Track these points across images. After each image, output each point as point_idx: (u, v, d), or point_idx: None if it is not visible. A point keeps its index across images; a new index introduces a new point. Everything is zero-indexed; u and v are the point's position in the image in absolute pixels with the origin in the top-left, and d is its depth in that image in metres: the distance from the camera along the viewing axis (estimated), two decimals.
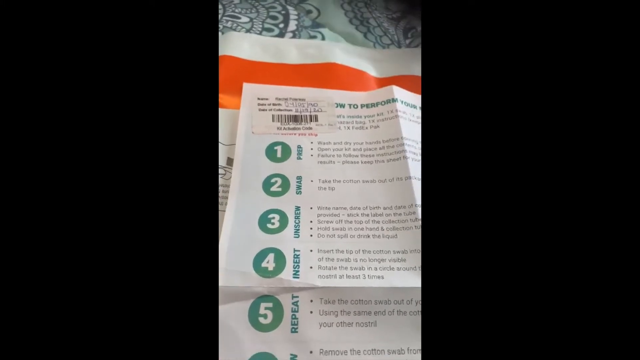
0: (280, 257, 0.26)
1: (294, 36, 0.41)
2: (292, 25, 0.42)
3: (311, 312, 0.24)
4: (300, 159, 0.30)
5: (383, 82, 0.36)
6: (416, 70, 0.37)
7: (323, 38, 0.41)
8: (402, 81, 0.36)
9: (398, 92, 0.34)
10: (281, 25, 0.42)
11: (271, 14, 0.43)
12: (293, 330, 0.24)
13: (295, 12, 0.44)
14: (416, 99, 0.34)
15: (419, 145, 0.31)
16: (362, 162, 0.30)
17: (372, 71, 0.37)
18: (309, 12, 0.45)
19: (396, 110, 0.32)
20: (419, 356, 0.24)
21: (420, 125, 0.33)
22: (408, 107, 0.33)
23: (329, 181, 0.29)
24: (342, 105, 0.33)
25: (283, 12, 0.44)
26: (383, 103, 0.33)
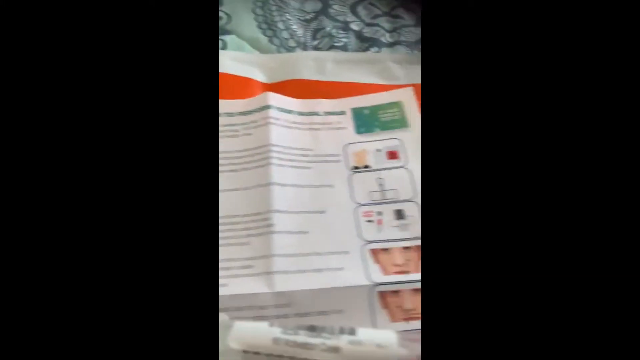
0: None
1: None
2: None
3: None
4: None
5: (270, 87, 0.37)
6: (305, 73, 0.38)
7: (224, 46, 0.42)
8: (289, 86, 0.37)
9: (273, 98, 0.34)
10: None
11: None
12: None
13: None
14: (293, 103, 0.35)
15: (287, 151, 0.32)
16: (228, 171, 0.31)
17: (261, 77, 0.38)
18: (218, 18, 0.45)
19: (268, 117, 0.33)
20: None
21: (292, 130, 0.33)
22: (283, 113, 0.34)
23: None
24: (219, 115, 0.34)
25: None
26: (258, 110, 0.34)
